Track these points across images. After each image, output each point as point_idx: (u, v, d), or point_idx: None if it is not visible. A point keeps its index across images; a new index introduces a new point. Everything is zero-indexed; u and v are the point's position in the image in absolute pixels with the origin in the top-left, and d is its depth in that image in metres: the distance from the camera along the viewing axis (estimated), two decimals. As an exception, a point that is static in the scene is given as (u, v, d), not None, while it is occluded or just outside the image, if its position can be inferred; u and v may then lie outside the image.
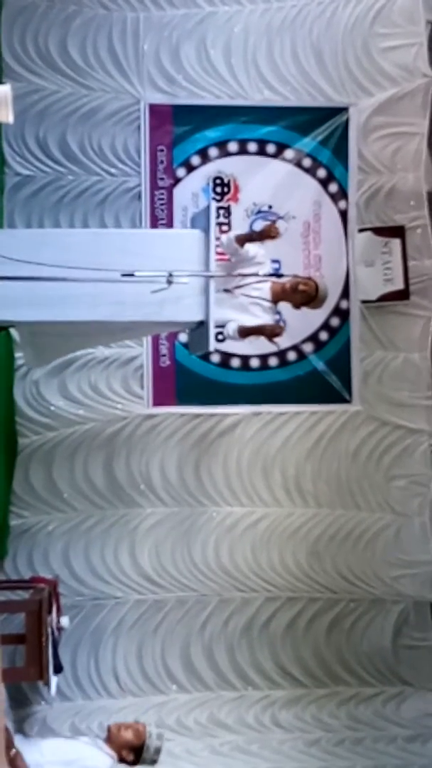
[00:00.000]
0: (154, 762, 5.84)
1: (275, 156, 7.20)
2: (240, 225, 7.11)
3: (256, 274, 5.70)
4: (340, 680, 7.13)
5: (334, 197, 7.25)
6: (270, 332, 5.72)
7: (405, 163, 7.21)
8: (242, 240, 5.81)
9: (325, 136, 7.20)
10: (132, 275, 4.92)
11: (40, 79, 6.89)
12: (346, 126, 7.20)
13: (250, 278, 5.70)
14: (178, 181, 7.13)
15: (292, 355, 7.22)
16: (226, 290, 5.63)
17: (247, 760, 6.62)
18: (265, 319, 5.78)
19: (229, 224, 7.11)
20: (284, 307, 6.05)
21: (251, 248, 5.82)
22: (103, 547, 6.97)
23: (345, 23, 7.10)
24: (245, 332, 5.75)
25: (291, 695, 7.04)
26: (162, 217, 7.08)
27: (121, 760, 5.69)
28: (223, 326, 5.72)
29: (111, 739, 5.70)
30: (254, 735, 6.82)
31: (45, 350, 5.84)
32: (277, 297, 5.83)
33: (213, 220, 5.19)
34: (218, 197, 7.13)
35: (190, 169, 7.14)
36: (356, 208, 7.25)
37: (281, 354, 7.18)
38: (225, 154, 7.18)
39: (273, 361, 7.19)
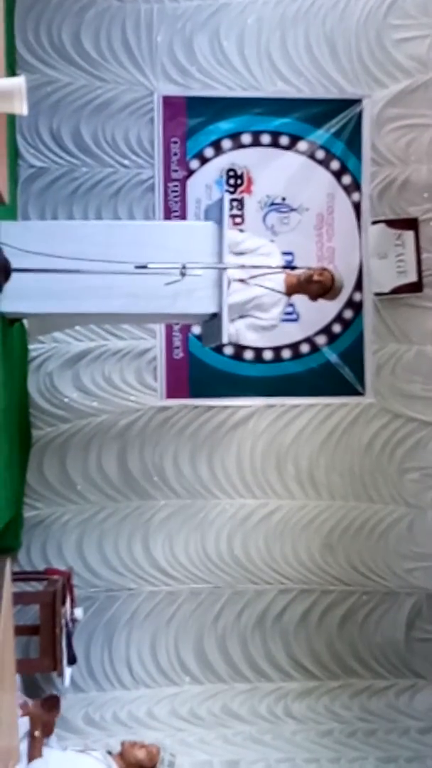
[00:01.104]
0: None
1: (289, 148, 7.18)
2: (253, 217, 7.12)
3: (270, 266, 5.68)
4: (352, 672, 7.15)
5: (348, 189, 7.24)
6: None
7: (419, 155, 7.18)
8: None
9: (338, 128, 7.18)
10: (145, 267, 4.93)
11: (53, 71, 6.89)
12: (359, 118, 7.18)
13: (263, 269, 5.68)
14: (191, 173, 7.12)
15: (305, 348, 7.22)
16: (241, 280, 5.61)
17: (259, 750, 6.64)
18: (276, 312, 5.75)
19: (242, 216, 7.11)
20: (298, 299, 6.04)
21: (250, 242, 5.79)
22: (117, 539, 7.00)
23: (359, 15, 7.07)
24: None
25: (304, 687, 7.07)
26: (175, 209, 7.08)
27: None
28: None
29: (123, 754, 5.70)
30: (267, 725, 6.84)
31: (52, 325, 5.87)
32: (292, 289, 5.79)
33: (226, 212, 5.19)
34: (232, 189, 7.13)
35: (204, 161, 7.14)
36: (369, 200, 7.24)
37: (294, 346, 7.19)
38: (238, 146, 7.16)
39: (286, 354, 7.19)
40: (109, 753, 5.74)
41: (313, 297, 5.89)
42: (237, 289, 5.54)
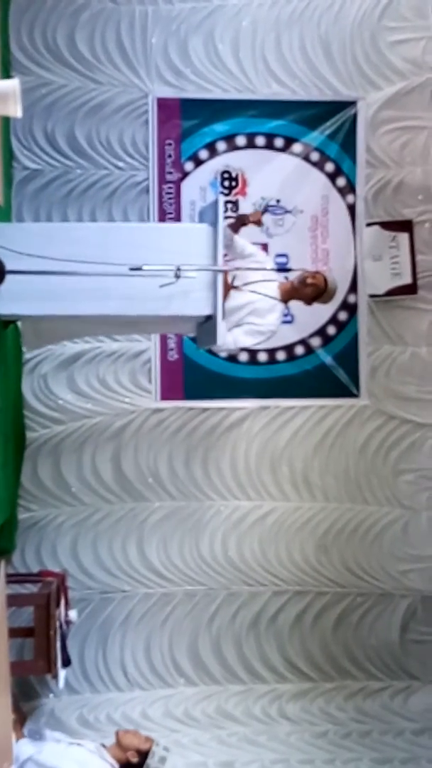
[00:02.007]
0: None
1: (283, 150, 7.18)
2: (248, 219, 7.14)
3: (264, 269, 5.68)
4: (347, 674, 7.15)
5: (342, 191, 7.24)
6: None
7: (413, 157, 7.21)
8: (235, 226, 5.80)
9: (333, 130, 7.19)
10: (140, 269, 4.94)
11: (48, 73, 6.89)
12: (354, 120, 7.19)
13: (257, 275, 5.68)
14: (186, 175, 7.12)
15: (299, 350, 7.22)
16: (234, 286, 5.61)
17: (254, 751, 6.63)
18: (273, 318, 5.74)
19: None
20: (294, 303, 6.03)
21: (247, 247, 5.80)
22: (111, 541, 6.99)
23: (353, 17, 7.09)
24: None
25: (298, 688, 7.07)
26: (170, 211, 7.08)
27: (127, 763, 5.67)
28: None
29: (119, 741, 5.70)
30: (261, 727, 6.83)
31: (47, 335, 5.87)
32: (287, 295, 5.78)
33: (221, 215, 5.20)
34: (226, 191, 7.13)
35: (198, 163, 7.14)
36: (364, 202, 7.25)
37: (289, 348, 7.19)
38: (233, 148, 7.17)
39: (281, 356, 7.19)
40: (103, 746, 5.75)
41: (308, 301, 5.89)
42: (231, 295, 5.54)
